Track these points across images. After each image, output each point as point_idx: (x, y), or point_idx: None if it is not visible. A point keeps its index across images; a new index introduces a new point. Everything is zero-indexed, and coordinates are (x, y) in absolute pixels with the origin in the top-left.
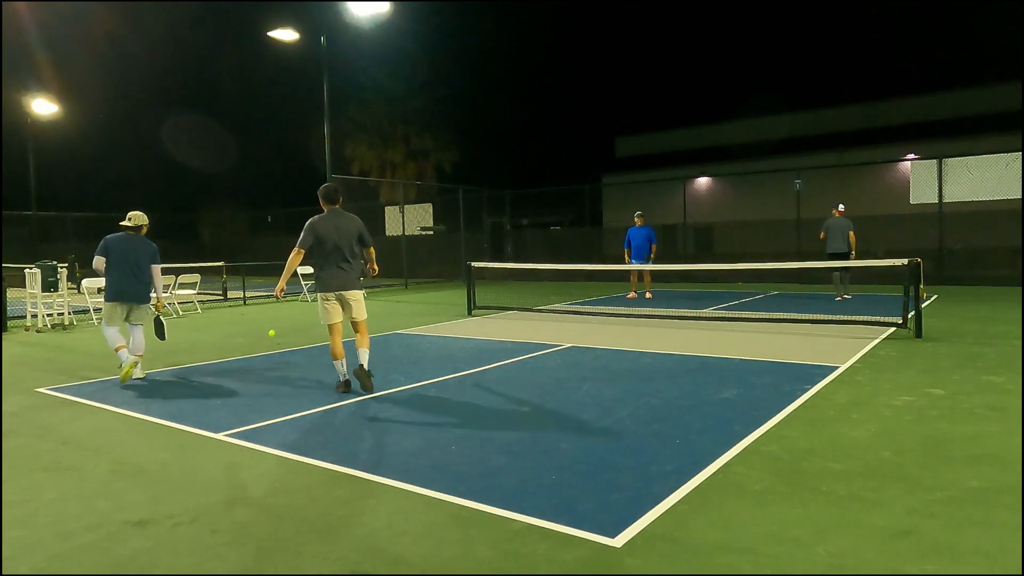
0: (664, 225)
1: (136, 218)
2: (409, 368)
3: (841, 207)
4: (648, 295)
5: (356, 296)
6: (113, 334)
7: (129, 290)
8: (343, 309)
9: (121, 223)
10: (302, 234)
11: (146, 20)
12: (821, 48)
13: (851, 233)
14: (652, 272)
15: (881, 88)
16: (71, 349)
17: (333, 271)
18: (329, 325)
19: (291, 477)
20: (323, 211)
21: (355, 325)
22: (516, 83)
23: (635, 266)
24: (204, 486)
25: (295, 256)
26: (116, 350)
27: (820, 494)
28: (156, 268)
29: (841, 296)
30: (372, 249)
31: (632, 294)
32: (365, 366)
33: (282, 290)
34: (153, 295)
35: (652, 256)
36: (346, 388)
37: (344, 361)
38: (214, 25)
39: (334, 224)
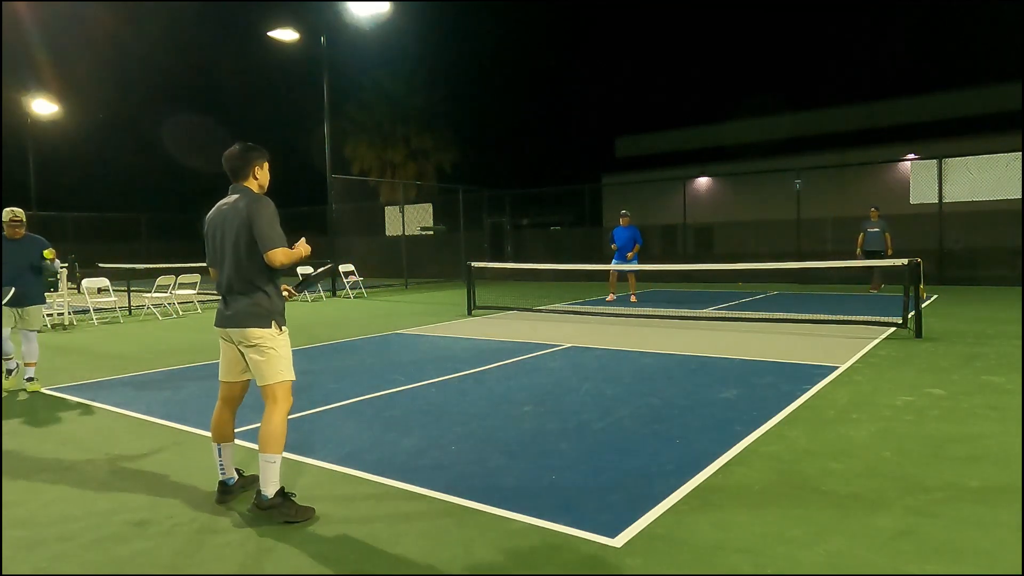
0: (664, 225)
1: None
2: (409, 368)
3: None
4: (633, 298)
5: (247, 337)
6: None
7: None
8: (239, 360)
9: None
10: None
11: (146, 20)
12: (821, 48)
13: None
14: (652, 272)
15: (881, 88)
16: (71, 349)
17: (221, 291)
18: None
19: (291, 477)
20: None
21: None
22: (516, 83)
23: (624, 266)
24: (204, 486)
25: (214, 278)
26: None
27: (820, 494)
28: None
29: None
30: (279, 255)
31: (611, 296)
32: (263, 493)
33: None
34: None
35: (632, 256)
36: (221, 496)
37: (223, 449)
38: (214, 25)
39: (220, 215)
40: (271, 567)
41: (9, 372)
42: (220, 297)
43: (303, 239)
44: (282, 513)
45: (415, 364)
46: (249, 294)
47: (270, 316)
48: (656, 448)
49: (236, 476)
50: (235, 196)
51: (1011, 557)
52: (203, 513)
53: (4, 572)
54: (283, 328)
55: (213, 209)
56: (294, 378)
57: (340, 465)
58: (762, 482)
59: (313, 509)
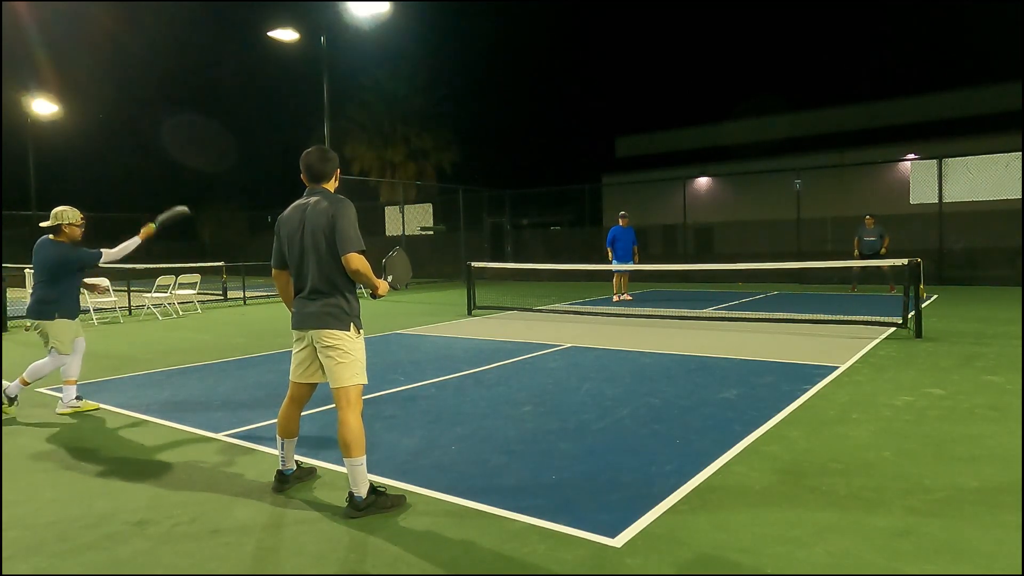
0: (664, 225)
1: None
2: (409, 368)
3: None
4: (627, 296)
5: (327, 339)
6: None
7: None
8: (312, 361)
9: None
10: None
11: (146, 20)
12: (821, 48)
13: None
14: (652, 272)
15: (881, 88)
16: None
17: (300, 293)
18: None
19: None
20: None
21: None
22: (516, 83)
23: (627, 267)
24: (204, 486)
25: (276, 280)
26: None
27: (820, 494)
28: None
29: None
30: (356, 260)
31: (617, 297)
32: (357, 495)
33: None
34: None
35: (637, 258)
36: (278, 485)
37: (286, 443)
38: (214, 25)
39: (301, 216)
40: (271, 567)
41: (12, 400)
42: (298, 298)
43: (386, 284)
44: (379, 508)
45: (415, 364)
46: (329, 296)
47: (349, 318)
48: (656, 448)
49: (295, 467)
50: (315, 197)
51: (1011, 557)
52: (203, 513)
53: (4, 572)
54: (360, 331)
55: (290, 209)
56: (367, 381)
57: (340, 465)
58: (762, 482)
59: (404, 496)
